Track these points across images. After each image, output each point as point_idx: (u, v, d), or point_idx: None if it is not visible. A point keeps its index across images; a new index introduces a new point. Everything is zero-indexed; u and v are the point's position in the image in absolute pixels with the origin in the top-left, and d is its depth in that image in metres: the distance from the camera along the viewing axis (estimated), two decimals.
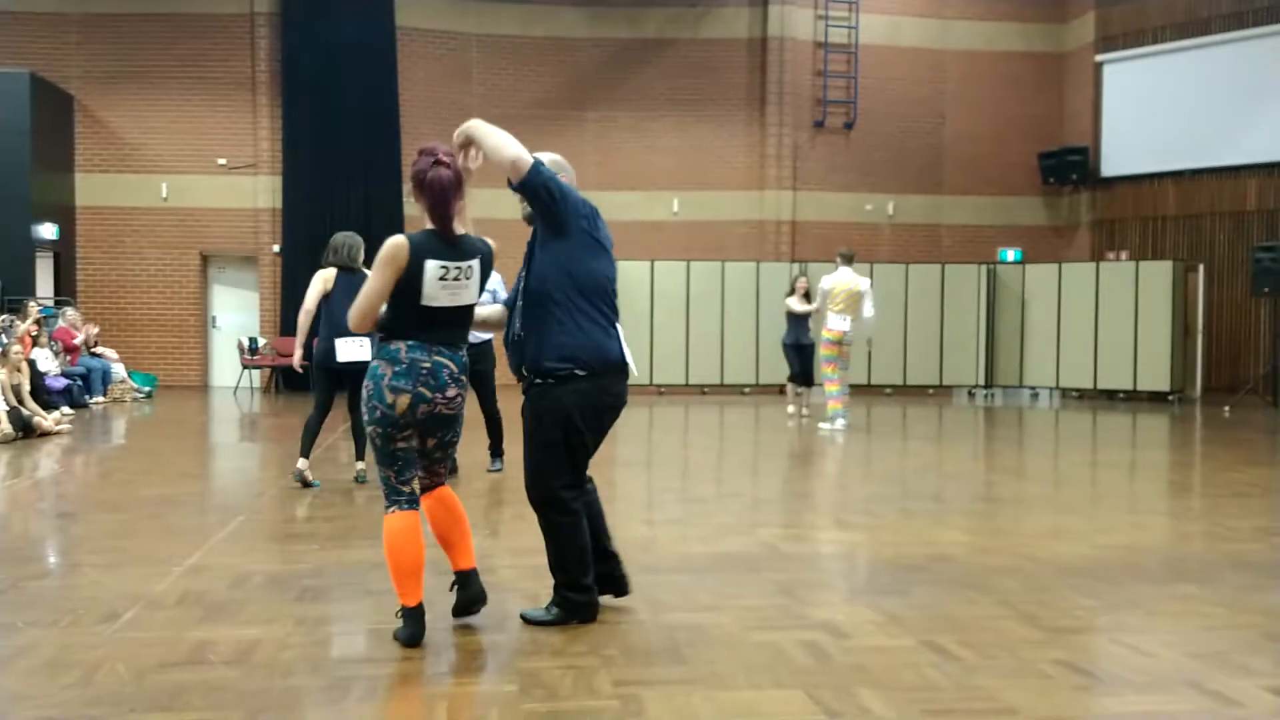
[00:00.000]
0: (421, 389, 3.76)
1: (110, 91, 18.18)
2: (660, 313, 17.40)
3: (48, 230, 17.19)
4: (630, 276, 17.40)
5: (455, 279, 3.80)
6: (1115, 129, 19.24)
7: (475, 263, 3.89)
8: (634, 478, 8.74)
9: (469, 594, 4.02)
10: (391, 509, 3.87)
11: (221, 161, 18.42)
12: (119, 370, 15.99)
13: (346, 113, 17.87)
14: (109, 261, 18.38)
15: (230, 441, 11.91)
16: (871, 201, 19.79)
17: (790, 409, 12.94)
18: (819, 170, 19.71)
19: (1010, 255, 19.41)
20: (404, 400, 3.75)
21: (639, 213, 19.34)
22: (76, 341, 15.26)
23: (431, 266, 3.74)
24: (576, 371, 4.04)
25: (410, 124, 18.34)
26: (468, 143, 4.05)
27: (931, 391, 17.88)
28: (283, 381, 18.30)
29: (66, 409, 12.73)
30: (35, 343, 13.50)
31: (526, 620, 4.15)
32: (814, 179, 19.68)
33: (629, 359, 4.21)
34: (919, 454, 10.31)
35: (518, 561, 5.16)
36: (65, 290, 17.70)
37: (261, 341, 18.12)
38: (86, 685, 3.43)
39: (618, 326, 4.20)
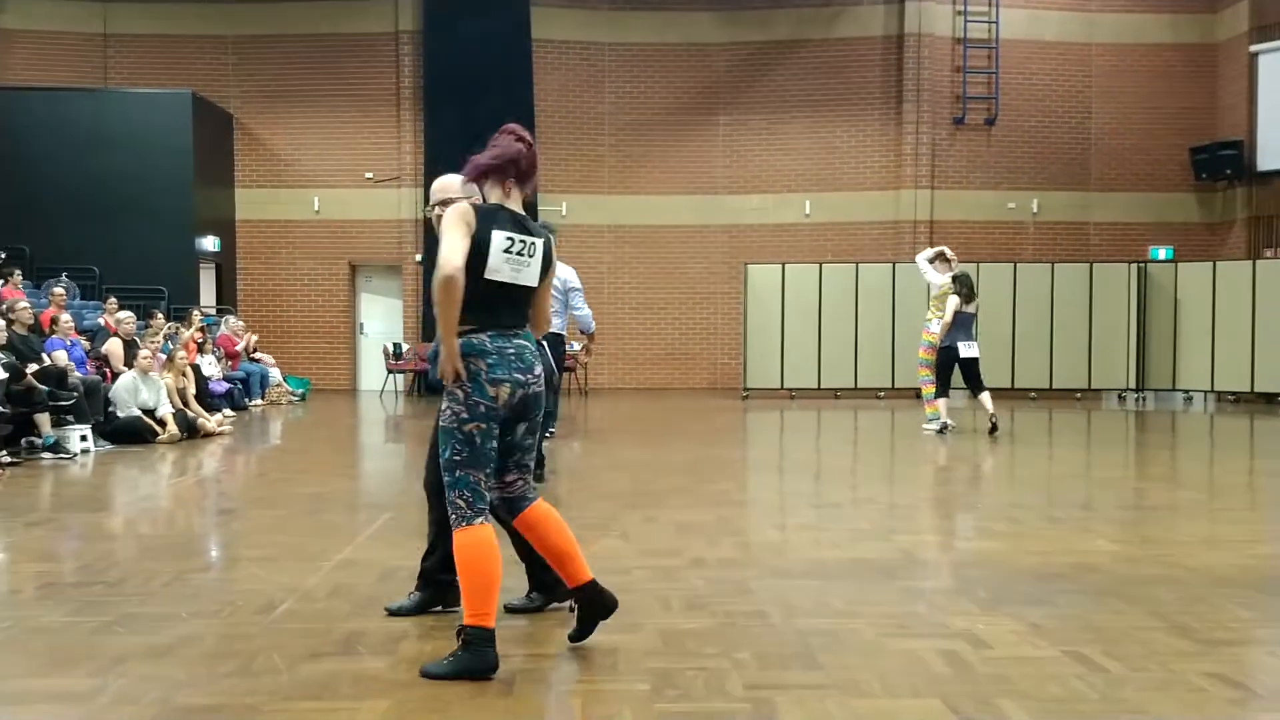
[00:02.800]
0: (516, 375, 3.63)
1: (266, 110, 19.11)
2: (792, 316, 17.27)
3: (210, 242, 18.16)
4: (761, 280, 17.35)
5: (520, 253, 3.65)
6: (1272, 121, 18.23)
7: (539, 243, 3.75)
8: (765, 481, 8.71)
9: (603, 602, 3.84)
10: (475, 520, 3.57)
11: (369, 175, 19.14)
12: (275, 375, 16.78)
13: (484, 125, 18.08)
14: (265, 272, 19.31)
15: (377, 442, 12.35)
16: (1014, 199, 19.25)
17: (950, 422, 11.81)
18: (959, 168, 19.26)
19: (1162, 253, 18.59)
20: (505, 391, 3.60)
21: (770, 216, 19.29)
22: (238, 348, 16.07)
23: (499, 236, 3.62)
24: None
25: (545, 133, 18.71)
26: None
27: (1079, 395, 17.24)
28: (424, 385, 18.89)
29: (228, 411, 13.45)
30: (200, 349, 14.29)
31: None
32: (953, 177, 19.24)
33: None
34: (1065, 460, 9.96)
35: (649, 563, 5.20)
36: (226, 299, 18.67)
37: (405, 347, 18.74)
38: (244, 674, 3.61)
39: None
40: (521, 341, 3.73)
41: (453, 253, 3.52)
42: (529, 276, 3.72)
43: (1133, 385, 17.10)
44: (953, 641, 3.97)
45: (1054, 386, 17.21)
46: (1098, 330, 17.14)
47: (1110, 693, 3.44)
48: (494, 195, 3.80)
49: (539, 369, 3.76)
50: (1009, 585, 4.87)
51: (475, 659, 3.52)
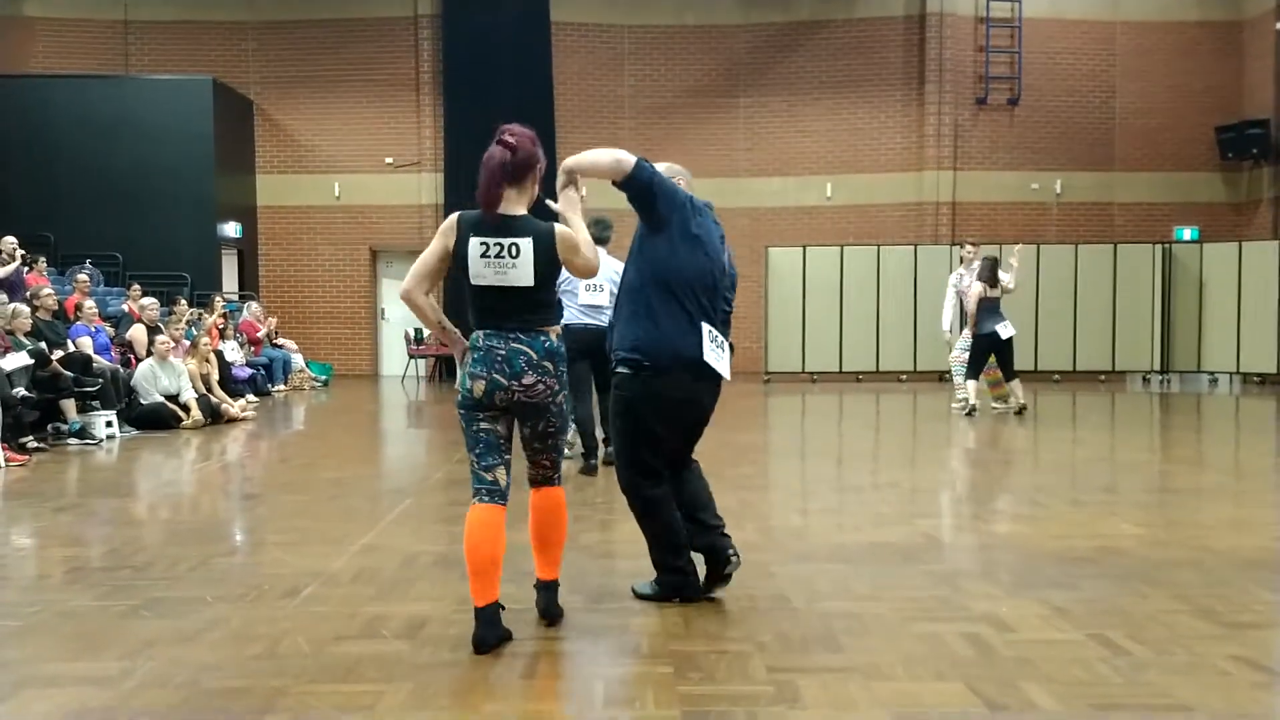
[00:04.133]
0: (496, 375, 3.68)
1: (286, 96, 19.15)
2: (813, 299, 17.21)
3: (232, 229, 18.25)
4: (782, 263, 17.30)
5: (498, 256, 3.66)
6: None
7: (524, 242, 3.68)
8: (787, 466, 8.70)
9: (544, 606, 3.97)
10: (474, 500, 3.76)
11: (389, 160, 19.17)
12: (298, 360, 16.87)
13: (503, 108, 18.18)
14: (287, 258, 19.39)
15: (398, 428, 12.41)
16: (1038, 180, 19.09)
17: (998, 405, 11.94)
18: (981, 149, 19.11)
19: (1187, 234, 18.41)
20: (480, 385, 3.70)
21: (791, 198, 19.20)
22: (260, 334, 16.16)
23: (474, 243, 3.68)
24: (644, 364, 4.10)
25: (564, 117, 18.69)
26: (571, 178, 4.08)
27: (1103, 378, 17.12)
28: (446, 370, 18.97)
29: (251, 397, 13.54)
30: (222, 335, 14.38)
31: (636, 594, 4.33)
32: (976, 158, 19.09)
33: (711, 359, 4.13)
34: (1089, 443, 9.91)
35: None
36: (248, 285, 18.77)
37: (426, 332, 18.80)
38: (270, 656, 3.65)
39: (705, 325, 4.14)
40: (520, 346, 3.70)
41: (412, 271, 3.78)
42: (518, 277, 3.69)
43: (1157, 367, 16.97)
44: (976, 625, 3.96)
45: (1078, 369, 17.10)
46: (1122, 312, 16.99)
47: (1134, 676, 3.42)
48: (510, 200, 3.77)
49: (530, 379, 3.70)
50: (1032, 569, 4.85)
51: (478, 632, 3.69)
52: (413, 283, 3.74)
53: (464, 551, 3.72)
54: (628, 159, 4.05)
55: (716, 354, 4.18)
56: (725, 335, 4.28)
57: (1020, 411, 11.47)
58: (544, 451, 3.89)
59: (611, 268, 7.81)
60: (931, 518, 6.13)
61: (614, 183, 4.12)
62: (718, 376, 4.20)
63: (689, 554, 4.28)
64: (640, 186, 4.08)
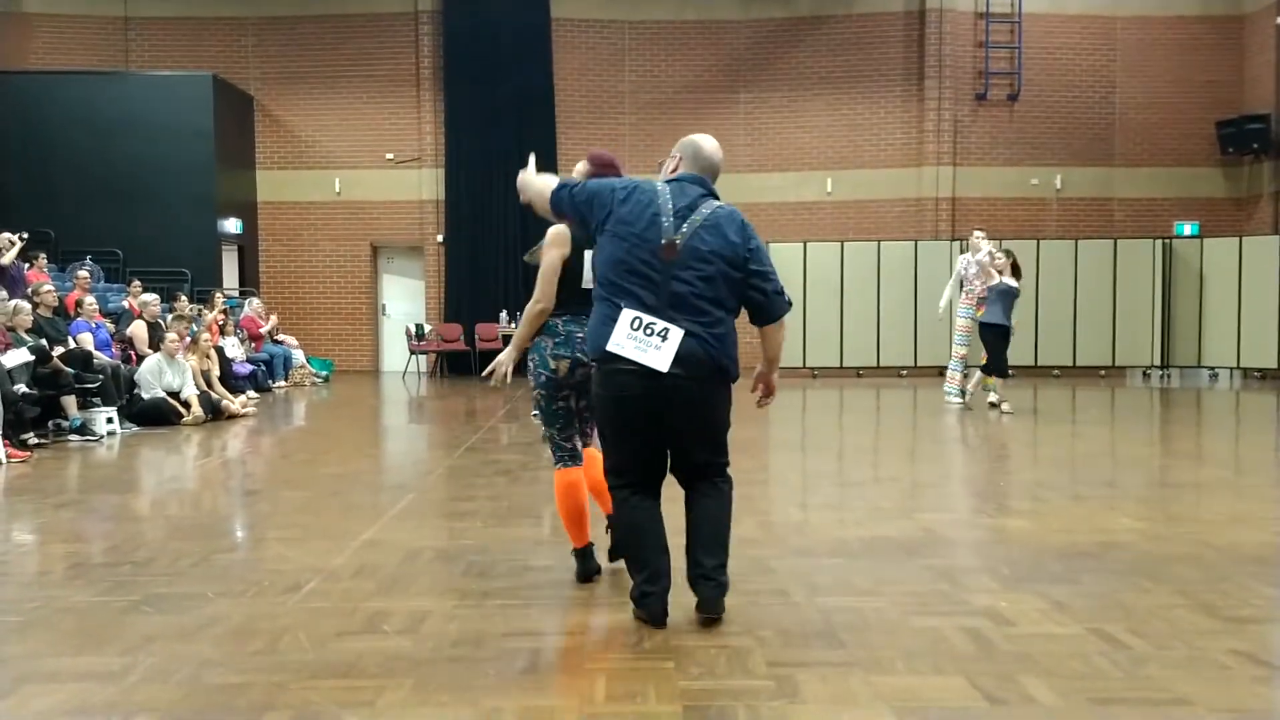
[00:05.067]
0: (578, 354, 4.29)
1: (286, 91, 19.14)
2: (814, 295, 17.21)
3: (232, 225, 18.24)
4: (782, 258, 17.26)
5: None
6: None
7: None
8: (787, 461, 8.70)
9: (589, 566, 4.56)
10: (559, 465, 4.45)
11: (389, 156, 19.16)
12: (299, 356, 16.87)
13: (503, 104, 18.33)
14: (288, 254, 19.39)
15: (400, 423, 12.42)
16: (1038, 175, 19.07)
17: (992, 398, 11.74)
18: (981, 144, 19.10)
19: (1187, 229, 18.40)
20: (564, 364, 4.33)
21: (791, 194, 19.19)
22: (263, 330, 16.17)
23: (588, 255, 4.24)
24: (588, 360, 4.11)
25: (564, 113, 18.67)
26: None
27: (1103, 373, 17.13)
28: (447, 366, 18.97)
29: (252, 393, 13.54)
30: (222, 331, 14.37)
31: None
32: (976, 154, 19.08)
33: (625, 349, 3.77)
34: (1090, 438, 9.91)
35: (670, 542, 5.18)
36: (249, 281, 18.77)
37: (427, 328, 18.80)
38: (271, 652, 3.66)
39: (629, 311, 3.79)
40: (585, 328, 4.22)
41: (548, 284, 4.28)
42: (590, 277, 4.29)
43: (1157, 362, 16.97)
44: (976, 619, 3.96)
45: (1078, 364, 17.10)
46: (1122, 307, 16.99)
47: (1134, 670, 3.43)
48: None
49: None
50: (1032, 563, 4.86)
51: (581, 567, 4.52)
52: (553, 292, 4.29)
53: (558, 505, 4.46)
54: (544, 195, 4.19)
55: (636, 343, 3.77)
56: (696, 317, 3.80)
57: (996, 405, 11.50)
58: (591, 419, 4.49)
59: None
60: (932, 512, 6.13)
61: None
62: (664, 372, 3.76)
63: (653, 574, 3.89)
64: (568, 208, 4.12)
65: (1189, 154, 19.11)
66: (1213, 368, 16.97)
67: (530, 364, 4.41)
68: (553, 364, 4.33)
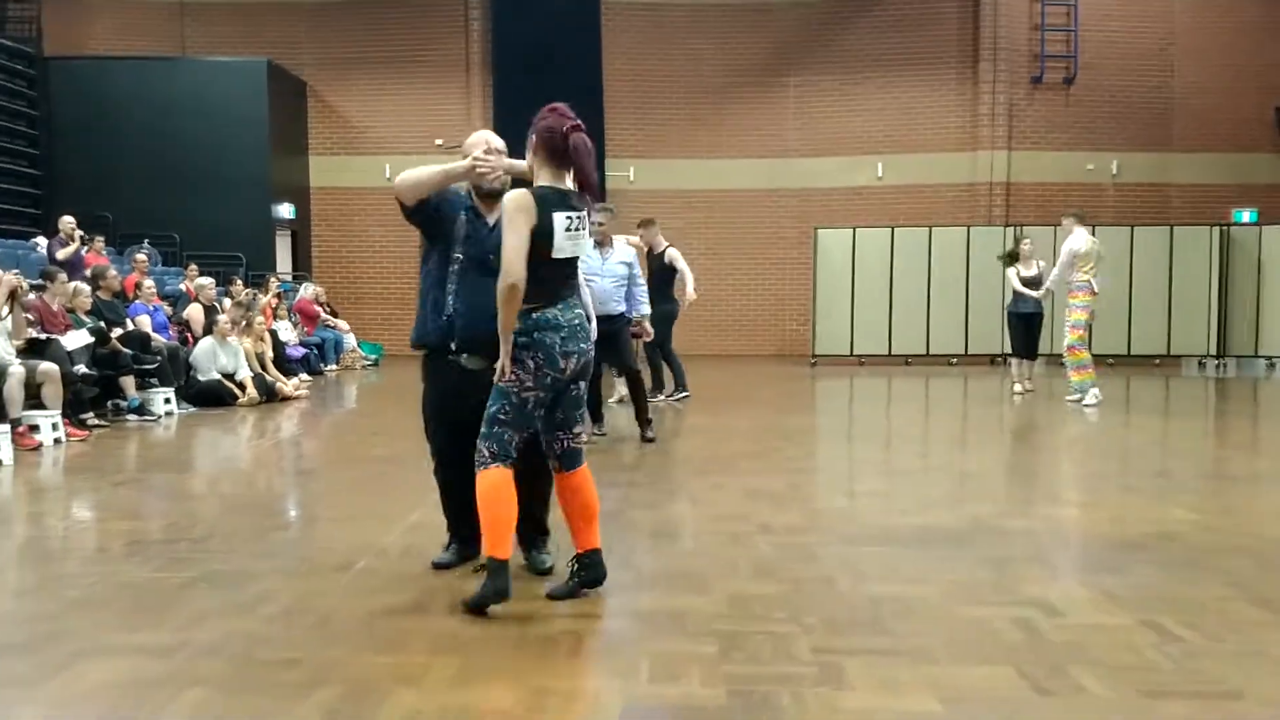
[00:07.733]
0: (583, 345, 3.92)
1: (338, 78, 19.32)
2: (862, 281, 17.06)
3: (286, 210, 18.47)
4: (831, 244, 17.16)
5: (577, 229, 3.85)
6: None
7: (585, 214, 3.93)
8: (834, 449, 8.66)
9: (597, 574, 4.05)
10: (496, 464, 3.82)
11: (439, 142, 19.25)
12: (350, 340, 17.05)
13: (553, 89, 18.24)
14: (339, 239, 19.60)
15: None
16: (1094, 160, 18.75)
17: (1017, 387, 11.87)
18: (1036, 128, 18.81)
19: (1245, 216, 18.00)
20: (573, 362, 3.87)
21: (841, 179, 19.03)
22: (323, 312, 16.38)
23: (558, 218, 3.78)
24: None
25: (613, 98, 18.65)
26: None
27: (1158, 362, 16.83)
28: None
29: (304, 376, 13.72)
30: (275, 315, 14.57)
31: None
32: (1031, 138, 18.80)
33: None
34: (1143, 428, 9.76)
35: (717, 528, 5.21)
36: (301, 265, 19.00)
37: None
38: (323, 629, 3.71)
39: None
40: (580, 311, 3.97)
41: (517, 258, 3.70)
42: (584, 247, 3.99)
43: (1213, 352, 16.64)
44: (1024, 609, 3.92)
45: (1132, 353, 16.81)
46: (1178, 295, 16.68)
47: (1186, 663, 3.38)
48: (544, 175, 3.89)
49: (594, 332, 4.08)
50: (1083, 554, 4.80)
51: (490, 585, 3.78)
52: (522, 271, 3.69)
53: (489, 509, 3.80)
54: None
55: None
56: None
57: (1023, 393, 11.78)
58: (579, 405, 4.07)
59: (619, 258, 7.84)
60: (981, 502, 6.07)
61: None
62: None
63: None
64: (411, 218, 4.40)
65: (1247, 139, 18.68)
66: (1270, 357, 16.61)
67: (527, 359, 3.79)
68: (562, 363, 3.82)
